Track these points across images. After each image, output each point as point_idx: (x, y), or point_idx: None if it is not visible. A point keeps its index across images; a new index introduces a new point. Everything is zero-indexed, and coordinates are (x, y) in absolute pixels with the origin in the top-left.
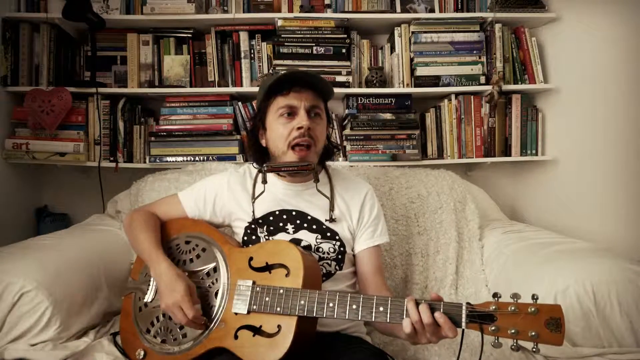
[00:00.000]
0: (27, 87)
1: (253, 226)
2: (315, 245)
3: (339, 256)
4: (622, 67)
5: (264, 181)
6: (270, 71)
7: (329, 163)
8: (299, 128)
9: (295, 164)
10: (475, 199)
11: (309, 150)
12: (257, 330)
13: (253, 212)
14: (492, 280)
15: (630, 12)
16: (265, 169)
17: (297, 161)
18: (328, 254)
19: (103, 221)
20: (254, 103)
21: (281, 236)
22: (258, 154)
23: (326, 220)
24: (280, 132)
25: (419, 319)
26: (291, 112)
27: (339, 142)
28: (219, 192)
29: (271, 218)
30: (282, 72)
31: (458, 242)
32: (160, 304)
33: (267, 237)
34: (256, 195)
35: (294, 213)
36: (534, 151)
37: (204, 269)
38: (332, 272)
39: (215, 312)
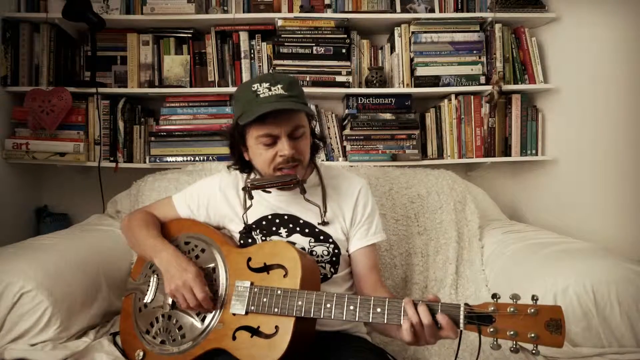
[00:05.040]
0: (27, 87)
1: (247, 232)
2: (308, 249)
3: (333, 258)
4: (622, 67)
5: (250, 197)
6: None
7: (326, 162)
8: (282, 155)
9: (279, 180)
10: (475, 199)
11: (296, 168)
12: (255, 331)
13: (245, 221)
14: (492, 280)
15: (630, 12)
16: (249, 186)
17: (280, 175)
18: (322, 257)
19: (103, 221)
20: None
21: (275, 239)
22: (243, 167)
23: (319, 223)
24: (263, 157)
25: (419, 320)
26: (272, 141)
27: (338, 142)
28: (211, 196)
29: (264, 222)
30: (259, 102)
31: (458, 242)
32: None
33: (263, 239)
34: (246, 207)
35: (286, 217)
36: (534, 151)
37: (203, 269)
38: (328, 275)
39: (214, 313)
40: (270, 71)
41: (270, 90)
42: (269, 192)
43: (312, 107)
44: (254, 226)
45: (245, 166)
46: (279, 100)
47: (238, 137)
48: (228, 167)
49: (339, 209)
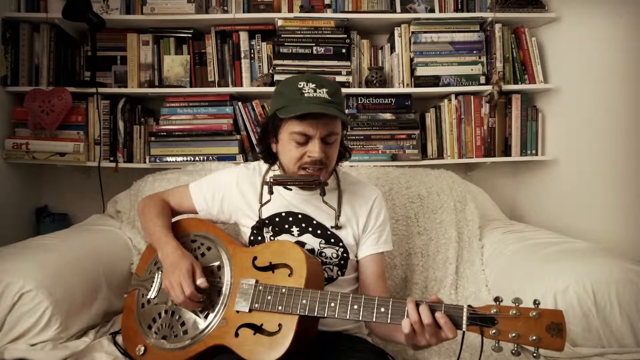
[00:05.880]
0: (27, 87)
1: (259, 226)
2: (318, 250)
3: (342, 262)
4: (622, 67)
5: (270, 192)
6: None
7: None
8: (310, 156)
9: (302, 179)
10: (475, 199)
11: (320, 171)
12: (258, 329)
13: (260, 215)
14: (492, 280)
15: (630, 12)
16: (272, 182)
17: (304, 175)
18: (331, 259)
19: (103, 221)
20: (254, 103)
21: (286, 238)
22: (268, 158)
23: (331, 226)
24: (292, 154)
25: (419, 319)
26: (305, 140)
27: None
28: (227, 190)
29: (277, 219)
30: (303, 101)
31: (458, 242)
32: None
33: (272, 238)
34: (263, 201)
35: (300, 216)
36: (534, 151)
37: (208, 267)
38: (334, 277)
39: (217, 310)
40: (271, 71)
41: (315, 91)
42: (290, 189)
43: None
44: (267, 222)
45: (270, 157)
46: (323, 104)
47: (272, 128)
48: (258, 152)
49: (353, 214)
